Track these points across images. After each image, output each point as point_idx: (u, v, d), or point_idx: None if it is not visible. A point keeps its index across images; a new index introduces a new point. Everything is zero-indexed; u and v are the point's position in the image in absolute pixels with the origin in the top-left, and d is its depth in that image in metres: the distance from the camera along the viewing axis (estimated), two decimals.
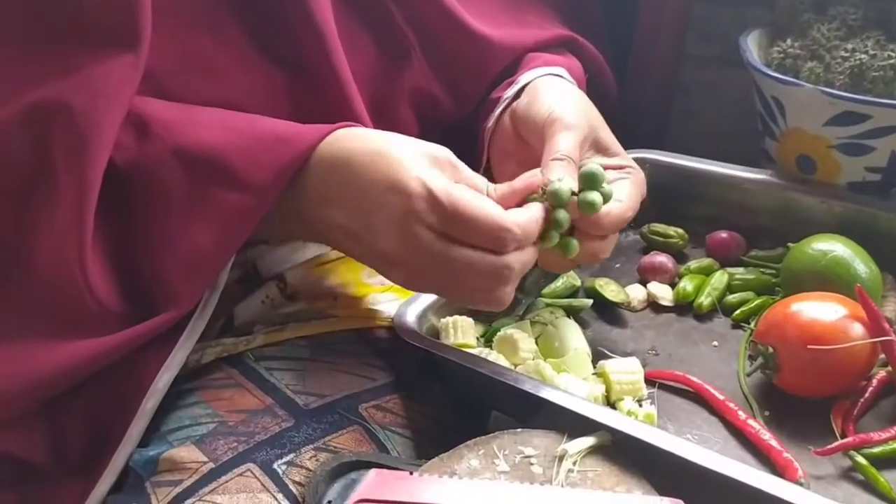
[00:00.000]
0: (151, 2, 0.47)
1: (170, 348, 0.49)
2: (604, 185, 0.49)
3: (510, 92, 0.60)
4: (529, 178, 0.48)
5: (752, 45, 0.69)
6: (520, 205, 0.47)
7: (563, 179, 0.48)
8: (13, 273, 0.48)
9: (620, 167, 0.55)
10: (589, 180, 0.48)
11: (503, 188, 0.48)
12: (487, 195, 0.47)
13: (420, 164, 0.44)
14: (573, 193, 0.47)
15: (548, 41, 0.66)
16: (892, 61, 0.58)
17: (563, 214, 0.47)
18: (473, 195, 0.44)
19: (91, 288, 0.47)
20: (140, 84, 0.47)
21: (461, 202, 0.43)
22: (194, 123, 0.48)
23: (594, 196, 0.47)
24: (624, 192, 0.52)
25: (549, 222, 0.47)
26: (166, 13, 0.50)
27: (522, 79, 0.60)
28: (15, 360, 0.48)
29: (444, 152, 0.47)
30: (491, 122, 0.60)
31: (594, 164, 0.50)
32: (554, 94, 0.57)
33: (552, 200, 0.47)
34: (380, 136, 0.46)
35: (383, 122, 0.59)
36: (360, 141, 0.46)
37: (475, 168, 0.57)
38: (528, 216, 0.45)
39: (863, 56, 0.60)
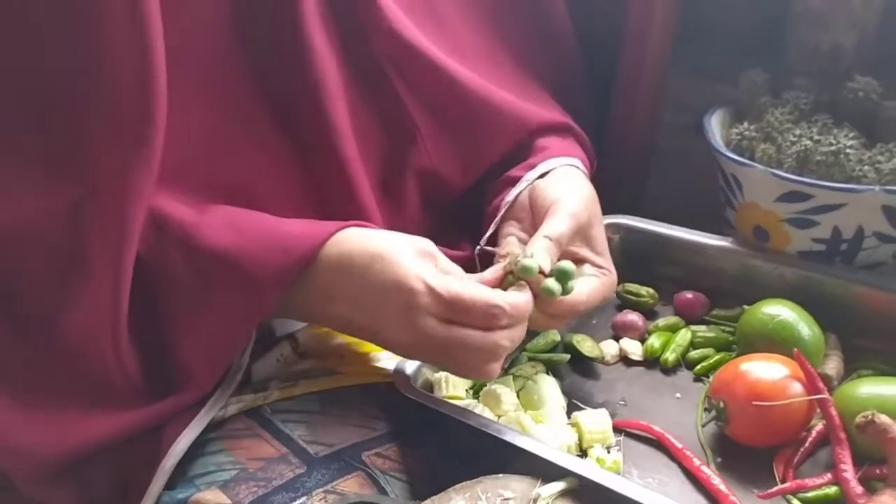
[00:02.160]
0: (174, 89, 0.54)
1: (191, 415, 0.56)
2: (571, 281, 0.56)
3: (532, 174, 0.67)
4: (500, 268, 0.55)
5: (715, 125, 0.77)
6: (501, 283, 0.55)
7: (536, 257, 0.55)
8: (48, 347, 0.55)
9: (599, 266, 0.62)
10: (559, 273, 0.56)
11: (476, 278, 0.55)
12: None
13: (415, 262, 0.52)
14: (541, 272, 0.55)
15: (550, 125, 0.73)
16: (832, 148, 0.66)
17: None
18: (466, 282, 0.52)
19: (123, 364, 0.55)
20: (160, 169, 0.54)
21: (458, 289, 0.51)
22: (204, 225, 0.55)
23: (554, 285, 0.55)
24: (587, 287, 0.59)
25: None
26: (188, 100, 0.57)
27: (545, 165, 0.68)
28: (52, 429, 0.56)
29: (428, 245, 0.55)
30: (511, 198, 0.67)
31: (571, 264, 0.57)
32: (569, 184, 0.65)
33: (520, 273, 0.54)
34: (377, 237, 0.54)
35: (390, 200, 0.67)
36: (359, 243, 0.54)
37: (480, 235, 0.65)
38: (519, 296, 0.53)
39: (808, 142, 0.68)
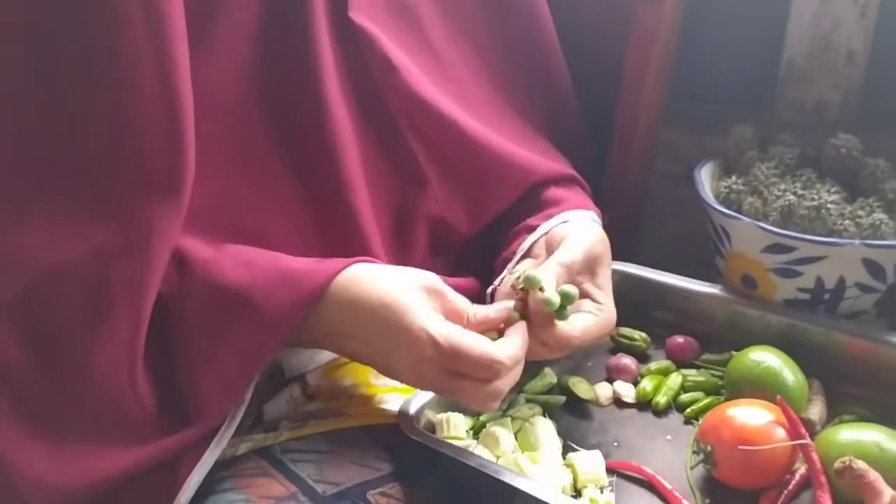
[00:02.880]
0: (200, 142, 0.58)
1: (203, 449, 0.59)
2: (568, 308, 0.60)
3: (550, 223, 0.72)
4: (504, 307, 0.59)
5: (705, 177, 0.81)
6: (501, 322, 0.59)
7: (543, 273, 0.59)
8: (74, 385, 0.58)
9: (598, 303, 0.65)
10: (562, 293, 0.59)
11: (482, 313, 0.59)
12: (469, 318, 0.58)
13: (422, 310, 0.55)
14: (541, 289, 0.58)
15: (556, 176, 0.78)
16: (814, 203, 0.70)
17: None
18: (468, 336, 0.55)
19: (140, 400, 0.58)
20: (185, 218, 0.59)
21: (459, 345, 0.54)
22: (223, 262, 0.59)
23: (554, 296, 0.58)
24: (581, 323, 0.62)
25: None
26: (212, 152, 0.61)
27: (565, 216, 0.72)
28: (76, 464, 0.58)
29: (435, 280, 0.59)
30: (527, 244, 0.71)
31: (574, 288, 0.60)
32: (583, 226, 0.69)
33: (525, 283, 0.58)
34: (385, 278, 0.58)
35: (400, 245, 0.71)
36: (367, 283, 0.57)
37: (492, 276, 0.69)
38: (515, 346, 0.56)
39: (792, 197, 0.72)
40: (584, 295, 0.65)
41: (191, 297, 0.59)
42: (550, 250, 0.68)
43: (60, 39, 0.55)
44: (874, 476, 0.55)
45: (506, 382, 0.56)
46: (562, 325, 0.60)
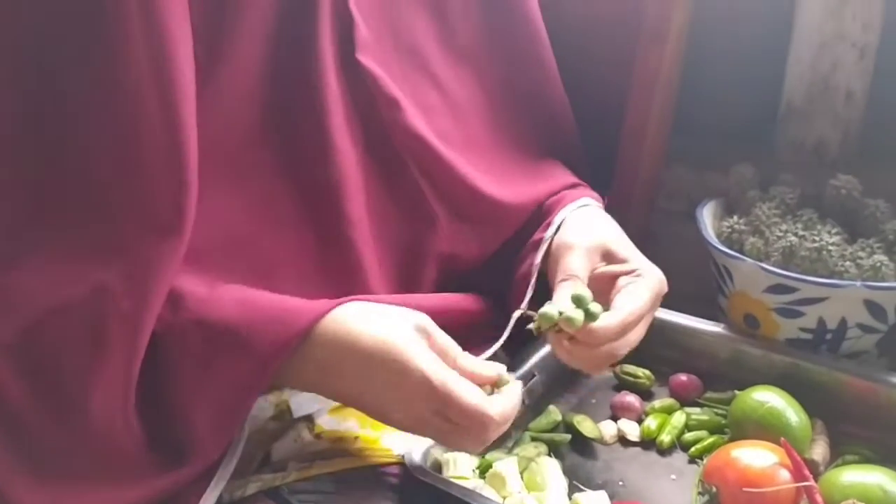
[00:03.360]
0: (204, 179, 0.59)
1: (204, 487, 0.59)
2: (590, 305, 0.60)
3: (550, 232, 0.73)
4: (495, 371, 0.59)
5: (707, 217, 0.82)
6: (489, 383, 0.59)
7: (556, 303, 0.60)
8: (72, 422, 0.58)
9: (631, 271, 0.66)
10: (575, 301, 0.60)
11: (470, 366, 0.59)
12: (457, 364, 0.59)
13: (420, 351, 0.56)
14: (560, 313, 0.59)
15: (560, 188, 0.80)
16: (815, 245, 0.71)
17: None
18: (463, 384, 0.55)
19: (134, 437, 0.58)
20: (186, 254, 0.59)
21: (453, 394, 0.55)
22: (217, 300, 0.59)
23: (575, 313, 0.59)
24: (624, 298, 0.63)
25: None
26: (216, 190, 0.62)
27: (558, 218, 0.74)
28: (72, 501, 0.58)
29: (425, 321, 0.59)
30: (538, 261, 0.73)
31: (584, 289, 0.62)
32: (572, 224, 0.70)
33: (541, 322, 0.59)
34: (377, 319, 0.58)
35: (407, 281, 0.72)
36: (359, 323, 0.57)
37: (520, 297, 0.71)
38: (507, 404, 0.57)
39: (793, 238, 0.73)
40: (614, 277, 0.66)
41: (183, 334, 0.59)
42: (552, 267, 0.69)
43: (64, 79, 0.56)
44: None
45: (492, 435, 0.57)
46: (601, 321, 0.61)
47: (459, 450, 0.61)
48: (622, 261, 0.67)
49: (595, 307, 0.61)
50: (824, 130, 0.91)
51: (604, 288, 0.67)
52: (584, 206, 0.75)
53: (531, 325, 0.61)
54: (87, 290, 0.57)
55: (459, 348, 0.60)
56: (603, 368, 0.67)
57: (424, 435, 0.61)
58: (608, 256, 0.68)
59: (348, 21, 0.68)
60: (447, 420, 0.56)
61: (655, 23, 0.84)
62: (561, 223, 0.73)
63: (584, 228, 0.68)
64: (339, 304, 0.59)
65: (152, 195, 0.57)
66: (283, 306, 0.60)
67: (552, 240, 0.72)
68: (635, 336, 0.65)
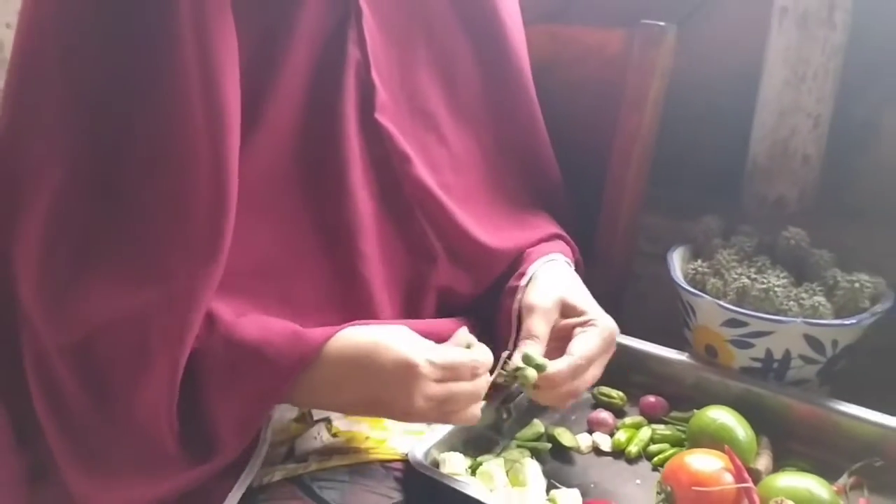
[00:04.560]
0: (243, 219, 0.71)
1: (231, 480, 0.70)
2: (537, 361, 0.72)
3: (524, 281, 0.84)
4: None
5: (676, 260, 0.94)
6: None
7: (513, 362, 0.73)
8: (118, 422, 0.69)
9: (584, 323, 0.77)
10: (524, 360, 0.72)
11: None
12: None
13: (411, 342, 0.68)
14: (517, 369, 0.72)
15: (543, 238, 0.91)
16: (764, 286, 0.83)
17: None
18: (451, 350, 0.68)
19: (172, 437, 0.69)
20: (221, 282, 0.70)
21: (448, 355, 0.67)
22: (243, 324, 0.70)
23: (527, 372, 0.72)
24: (576, 345, 0.75)
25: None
26: (249, 226, 0.73)
27: (529, 270, 0.85)
28: (117, 492, 0.69)
29: (406, 329, 0.71)
30: (516, 305, 0.83)
31: (529, 347, 0.74)
32: (536, 285, 0.81)
33: (505, 379, 0.73)
34: (376, 328, 0.70)
35: (410, 311, 0.84)
36: (360, 334, 0.69)
37: (505, 341, 0.82)
38: (484, 351, 0.70)
39: (746, 280, 0.85)
40: (571, 328, 0.77)
41: (214, 351, 0.70)
42: (523, 318, 0.80)
43: (130, 132, 0.68)
44: None
45: (483, 382, 0.70)
46: (553, 367, 0.73)
47: (464, 418, 0.71)
48: (579, 313, 0.78)
49: (542, 361, 0.73)
50: (784, 188, 1.04)
51: (564, 336, 0.78)
52: (551, 260, 0.86)
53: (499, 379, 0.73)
54: (135, 310, 0.68)
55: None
56: (567, 404, 0.78)
57: (425, 420, 0.72)
58: (566, 309, 0.79)
59: (370, 87, 0.81)
60: (446, 383, 0.67)
61: (635, 91, 0.97)
62: (532, 276, 0.84)
63: (547, 287, 0.80)
64: (342, 328, 0.70)
65: (197, 232, 0.68)
66: (296, 330, 0.71)
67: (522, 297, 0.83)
68: (590, 375, 0.76)
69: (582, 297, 0.81)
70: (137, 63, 0.67)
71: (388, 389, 0.68)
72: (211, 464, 0.69)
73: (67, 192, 0.69)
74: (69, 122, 0.69)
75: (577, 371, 0.75)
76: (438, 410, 0.70)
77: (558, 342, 0.78)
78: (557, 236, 0.94)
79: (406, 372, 0.67)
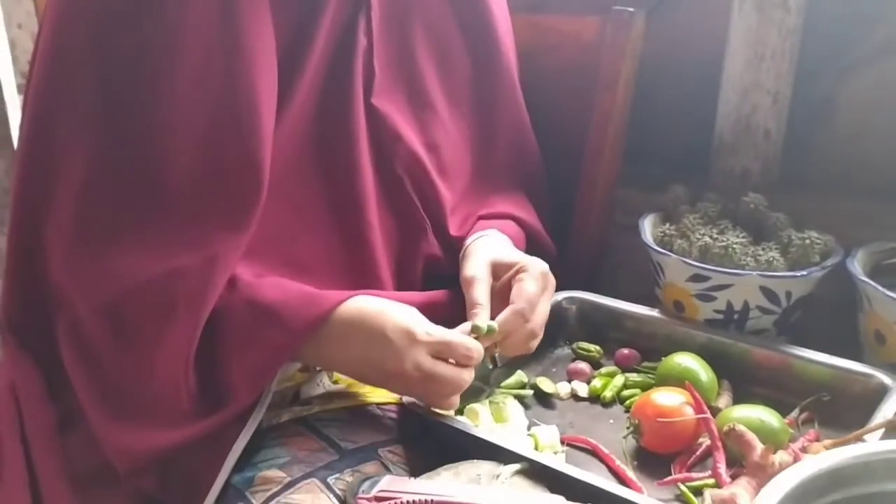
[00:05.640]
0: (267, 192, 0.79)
1: (239, 428, 0.77)
2: (486, 326, 0.79)
3: (462, 253, 0.93)
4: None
5: (647, 226, 1.02)
6: None
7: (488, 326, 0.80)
8: (142, 375, 0.77)
9: (516, 273, 0.84)
10: (474, 331, 0.79)
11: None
12: None
13: (414, 314, 0.76)
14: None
15: (492, 216, 0.99)
16: (724, 244, 0.92)
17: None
18: (447, 331, 0.75)
19: (189, 389, 0.77)
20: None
21: (445, 335, 0.75)
22: (262, 285, 0.78)
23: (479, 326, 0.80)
24: (515, 294, 0.82)
25: None
26: (273, 201, 0.80)
27: (466, 243, 0.94)
28: (140, 437, 0.77)
29: (416, 311, 0.78)
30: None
31: (476, 319, 0.80)
32: (470, 256, 0.89)
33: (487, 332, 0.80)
34: (381, 300, 0.78)
35: (402, 277, 0.92)
36: (369, 302, 0.77)
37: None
38: (479, 343, 0.77)
39: (708, 239, 0.93)
40: (508, 284, 0.84)
41: (235, 310, 0.78)
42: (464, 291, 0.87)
43: (153, 99, 0.74)
44: (751, 436, 0.75)
45: (469, 374, 0.77)
46: (503, 317, 0.80)
47: (441, 403, 0.79)
48: (510, 266, 0.85)
49: (489, 324, 0.80)
50: (747, 161, 1.13)
51: (507, 293, 0.84)
52: (483, 236, 0.93)
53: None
54: (164, 273, 0.75)
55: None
56: (532, 345, 0.84)
57: (413, 392, 0.80)
58: (497, 269, 0.86)
59: (371, 73, 0.89)
60: (437, 361, 0.75)
61: (608, 71, 1.06)
62: (464, 253, 0.92)
63: (477, 258, 0.87)
64: (354, 294, 0.78)
65: (230, 204, 0.76)
66: (313, 293, 0.79)
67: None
68: (540, 313, 0.83)
69: (508, 253, 0.88)
70: (164, 45, 0.74)
71: (384, 350, 0.76)
72: (224, 412, 0.77)
73: (98, 169, 0.77)
74: (97, 104, 0.76)
75: (525, 314, 0.81)
76: (422, 386, 0.78)
77: (504, 300, 0.84)
78: (509, 216, 1.01)
79: (404, 335, 0.75)
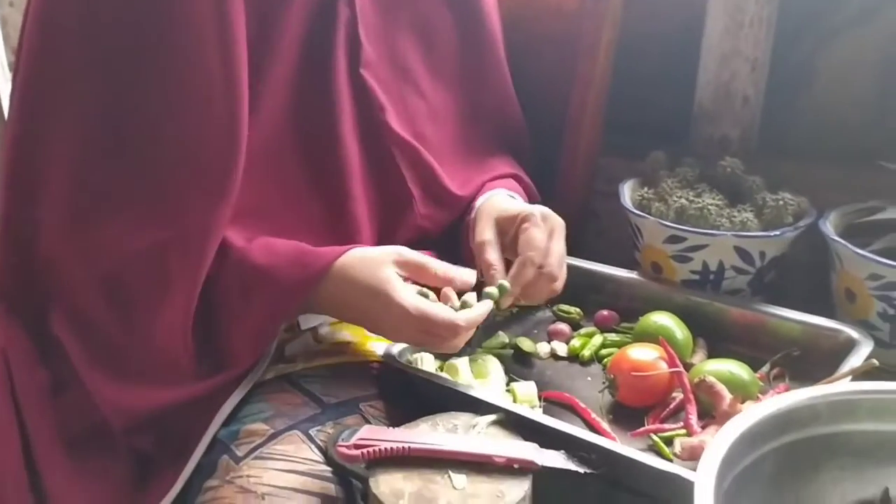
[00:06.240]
0: (246, 163, 0.79)
1: (236, 384, 0.80)
2: (498, 288, 0.82)
3: (471, 216, 0.95)
4: (464, 271, 0.81)
5: (626, 190, 1.04)
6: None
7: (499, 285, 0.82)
8: (141, 341, 0.79)
9: (520, 224, 0.85)
10: (488, 297, 0.81)
11: (444, 268, 0.80)
12: (436, 274, 0.79)
13: (399, 287, 0.76)
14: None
15: (496, 177, 1.01)
16: (699, 205, 0.94)
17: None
18: (435, 306, 0.76)
19: (188, 353, 0.79)
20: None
21: (429, 315, 0.75)
22: (253, 249, 0.80)
23: (499, 302, 0.82)
24: (523, 246, 0.83)
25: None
26: (252, 169, 0.81)
27: (475, 205, 0.95)
28: (137, 396, 0.79)
29: (403, 251, 0.79)
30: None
31: (486, 290, 0.82)
32: (480, 218, 0.90)
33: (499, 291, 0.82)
34: (370, 261, 0.78)
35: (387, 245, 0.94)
36: (357, 266, 0.77)
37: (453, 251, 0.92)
38: (472, 314, 0.78)
39: (684, 201, 0.95)
40: (515, 238, 0.86)
41: (228, 275, 0.79)
42: (477, 254, 0.89)
43: (142, 72, 0.76)
44: (720, 387, 0.77)
45: (462, 339, 0.79)
46: (516, 267, 0.83)
47: (438, 352, 0.81)
48: (513, 217, 0.87)
49: (500, 284, 0.82)
50: (727, 128, 1.14)
51: (514, 246, 0.86)
52: (486, 200, 0.95)
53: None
54: (155, 243, 0.77)
55: (435, 261, 0.81)
56: (555, 289, 0.86)
57: (414, 345, 0.83)
58: (504, 223, 0.87)
59: (357, 43, 0.90)
60: (426, 333, 0.77)
61: (589, 39, 1.07)
62: (476, 213, 0.94)
63: (485, 218, 0.89)
64: (345, 251, 0.79)
65: (210, 174, 0.77)
66: (304, 252, 0.80)
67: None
68: (554, 255, 0.85)
69: (509, 206, 0.89)
70: (153, 17, 0.75)
71: (377, 315, 0.78)
72: (223, 375, 0.79)
73: (88, 143, 0.78)
74: (88, 78, 0.77)
75: (534, 261, 0.83)
76: (419, 343, 0.82)
77: (516, 254, 0.86)
78: (512, 175, 1.03)
79: (390, 314, 0.76)
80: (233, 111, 0.76)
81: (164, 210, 0.78)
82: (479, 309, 0.80)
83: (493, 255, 0.85)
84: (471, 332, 0.80)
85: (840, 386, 0.62)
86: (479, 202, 0.96)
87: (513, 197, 0.96)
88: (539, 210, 0.87)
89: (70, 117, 0.79)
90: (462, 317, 0.77)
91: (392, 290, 0.76)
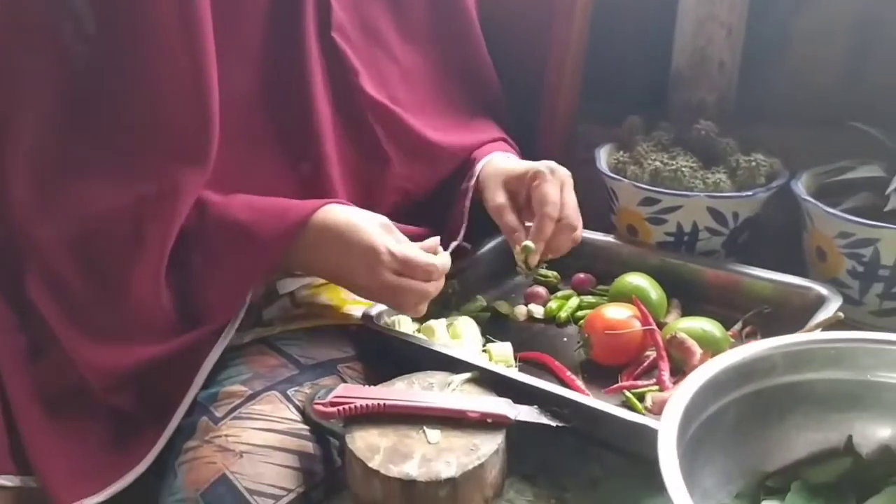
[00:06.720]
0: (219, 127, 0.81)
1: (213, 343, 0.81)
2: (524, 251, 0.84)
3: (472, 182, 0.96)
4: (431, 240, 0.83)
5: (602, 154, 1.05)
6: None
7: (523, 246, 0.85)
8: (116, 299, 0.79)
9: (530, 182, 0.88)
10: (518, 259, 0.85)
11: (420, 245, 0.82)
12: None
13: (379, 232, 0.78)
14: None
15: (487, 141, 1.02)
16: (673, 167, 0.95)
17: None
18: (413, 249, 0.78)
19: (163, 310, 0.80)
20: None
21: (408, 253, 0.77)
22: (231, 204, 0.81)
23: (528, 260, 0.85)
24: (537, 203, 0.86)
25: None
26: (226, 136, 0.80)
27: (476, 170, 0.96)
28: (114, 354, 0.80)
29: (387, 220, 0.81)
30: (468, 203, 0.96)
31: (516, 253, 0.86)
32: (487, 186, 0.92)
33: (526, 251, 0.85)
34: (352, 212, 0.80)
35: (368, 209, 0.94)
36: (338, 214, 0.79)
37: (455, 232, 0.93)
38: (444, 258, 0.80)
39: (658, 164, 0.96)
40: (527, 197, 0.88)
41: (207, 230, 0.80)
42: (494, 216, 0.91)
43: (106, 36, 0.75)
44: (691, 342, 0.78)
45: (434, 286, 0.80)
46: (534, 229, 0.86)
47: (410, 311, 0.81)
48: (521, 176, 0.89)
49: (525, 246, 0.86)
50: (704, 93, 1.15)
51: (529, 204, 0.89)
52: (486, 164, 0.97)
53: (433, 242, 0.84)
54: (129, 203, 0.77)
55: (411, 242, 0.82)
56: (575, 238, 0.89)
57: (383, 301, 0.83)
58: (512, 183, 0.90)
59: (327, 7, 0.90)
60: (401, 277, 0.77)
61: (564, 2, 1.07)
62: (478, 177, 0.96)
63: (493, 183, 0.92)
64: (325, 203, 0.80)
65: (182, 134, 0.77)
66: (282, 206, 0.80)
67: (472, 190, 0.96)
68: (569, 207, 0.88)
69: (514, 166, 0.91)
70: None
71: (353, 267, 0.79)
72: (200, 330, 0.80)
73: (53, 106, 0.78)
74: (58, 38, 0.77)
75: (551, 215, 0.86)
76: (391, 297, 0.81)
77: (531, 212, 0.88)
78: (501, 139, 1.04)
79: (369, 255, 0.78)
80: (197, 67, 0.76)
81: (131, 171, 0.78)
82: (446, 256, 0.81)
83: (511, 218, 0.88)
84: (441, 283, 0.81)
85: (798, 336, 0.63)
86: (478, 168, 0.96)
87: (509, 154, 0.97)
88: (546, 165, 0.89)
89: (33, 80, 0.79)
90: (438, 260, 0.79)
91: (372, 233, 0.78)
